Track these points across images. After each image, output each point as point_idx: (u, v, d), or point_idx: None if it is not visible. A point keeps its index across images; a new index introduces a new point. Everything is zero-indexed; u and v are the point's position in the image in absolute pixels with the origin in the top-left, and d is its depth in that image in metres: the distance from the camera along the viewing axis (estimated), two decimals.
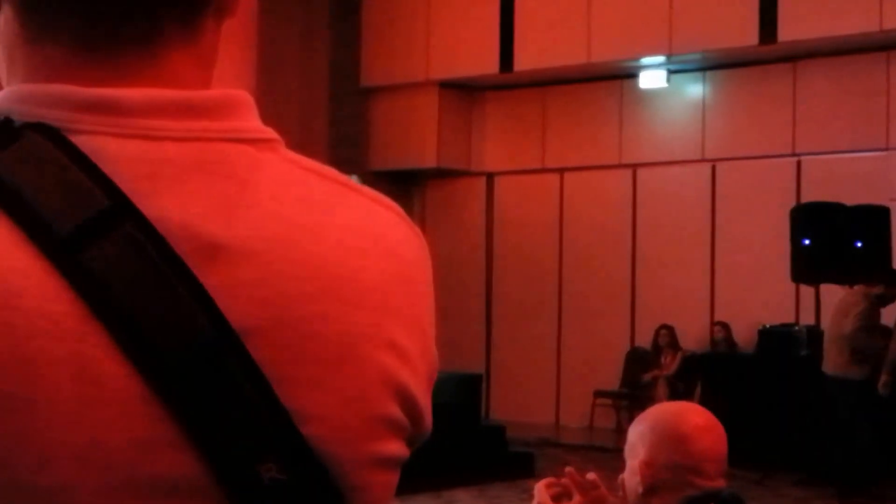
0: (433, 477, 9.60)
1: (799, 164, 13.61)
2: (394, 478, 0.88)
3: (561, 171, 15.11)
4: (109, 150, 0.81)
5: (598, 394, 14.58)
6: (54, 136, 0.81)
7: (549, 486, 2.52)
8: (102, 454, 0.77)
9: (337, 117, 15.17)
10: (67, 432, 0.76)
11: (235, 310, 0.80)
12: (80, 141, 0.81)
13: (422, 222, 14.43)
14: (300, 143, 0.88)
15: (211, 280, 0.79)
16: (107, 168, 0.80)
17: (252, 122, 0.86)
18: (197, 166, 0.82)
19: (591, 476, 2.54)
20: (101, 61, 0.84)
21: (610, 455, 10.15)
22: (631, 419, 2.80)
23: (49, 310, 0.77)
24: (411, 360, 0.87)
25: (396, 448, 0.87)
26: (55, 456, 0.76)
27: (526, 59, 14.40)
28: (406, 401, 0.87)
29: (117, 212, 0.79)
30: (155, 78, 0.85)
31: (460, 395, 11.72)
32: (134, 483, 0.78)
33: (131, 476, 0.78)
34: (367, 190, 0.90)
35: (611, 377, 14.59)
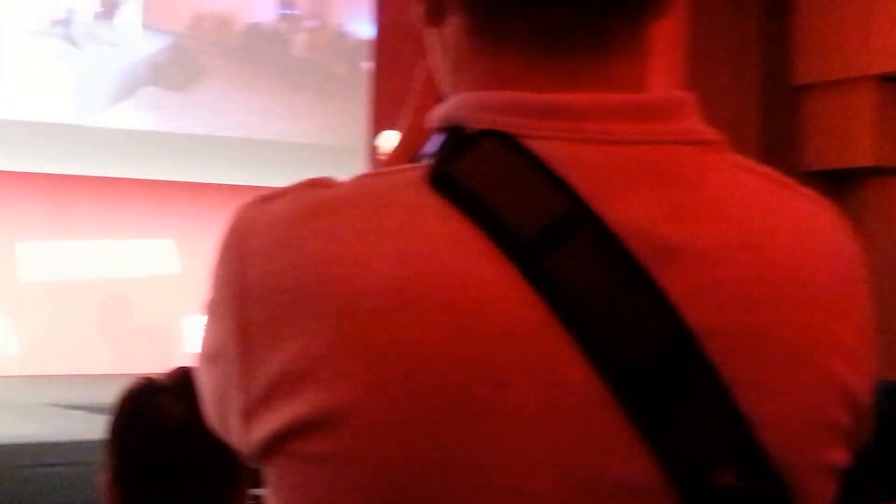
0: (873, 489, 9.23)
1: None
2: (836, 487, 0.86)
3: None
4: (564, 155, 0.82)
5: None
6: (510, 143, 0.82)
7: None
8: (564, 457, 0.78)
9: (768, 116, 14.84)
10: (534, 435, 0.78)
11: (694, 314, 0.80)
12: (535, 146, 0.82)
13: (858, 222, 13.88)
14: (732, 143, 0.87)
15: (669, 284, 0.80)
16: (563, 173, 0.81)
17: (697, 123, 0.87)
18: (649, 170, 0.83)
19: None
20: (551, 67, 0.86)
21: None
22: None
23: (516, 315, 0.78)
24: (859, 363, 0.86)
25: (843, 456, 0.85)
26: (523, 458, 0.78)
27: None
28: (854, 406, 0.85)
29: (577, 217, 0.80)
30: (602, 82, 0.86)
31: None
32: (591, 486, 0.79)
33: (589, 479, 0.79)
34: (805, 190, 0.89)
35: None
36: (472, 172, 0.82)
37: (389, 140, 7.93)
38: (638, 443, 0.79)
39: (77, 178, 8.93)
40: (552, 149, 0.82)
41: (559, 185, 0.81)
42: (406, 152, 1.05)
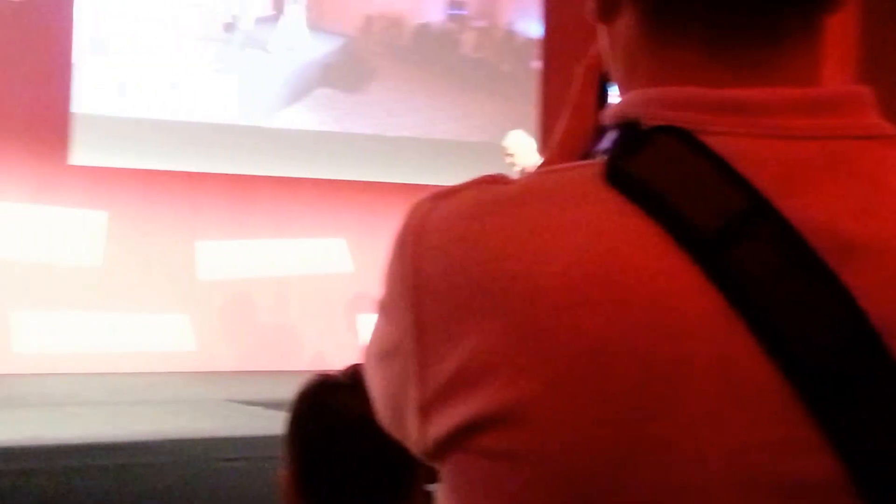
0: None
1: None
2: None
3: None
4: (742, 151, 0.81)
5: None
6: (687, 139, 0.82)
7: None
8: (745, 454, 0.78)
9: None
10: (714, 432, 0.77)
11: (876, 310, 0.78)
12: (712, 142, 0.81)
13: None
14: None
15: (851, 280, 0.78)
16: (741, 169, 0.80)
17: (875, 118, 0.85)
18: (827, 165, 0.82)
19: None
20: (728, 62, 0.85)
21: None
22: None
23: (697, 311, 0.78)
24: None
25: None
26: (703, 455, 0.77)
27: None
28: None
29: (757, 212, 0.79)
30: (779, 76, 0.85)
31: None
32: (771, 484, 0.78)
33: (769, 477, 0.78)
34: None
35: None
36: (649, 168, 0.81)
37: (516, 140, 7.90)
38: (820, 441, 0.77)
39: (252, 179, 9.13)
40: (729, 144, 0.81)
41: (738, 181, 0.80)
42: (566, 149, 1.05)
